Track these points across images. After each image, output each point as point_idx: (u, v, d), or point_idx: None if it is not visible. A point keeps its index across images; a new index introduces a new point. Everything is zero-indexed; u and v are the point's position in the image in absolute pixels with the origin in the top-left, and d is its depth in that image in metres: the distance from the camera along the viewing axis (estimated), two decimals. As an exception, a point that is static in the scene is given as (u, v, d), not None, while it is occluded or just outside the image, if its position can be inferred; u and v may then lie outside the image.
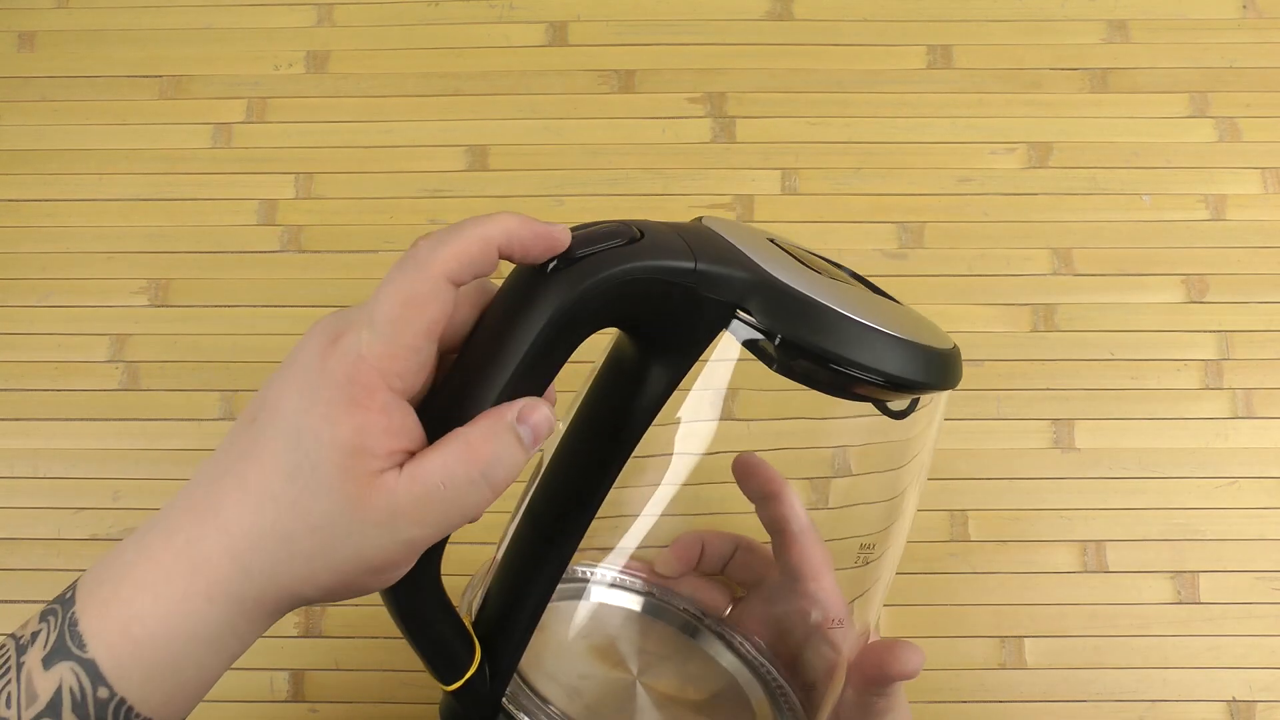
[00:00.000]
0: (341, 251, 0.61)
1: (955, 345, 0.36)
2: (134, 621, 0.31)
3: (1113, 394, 0.58)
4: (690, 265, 0.32)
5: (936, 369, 0.34)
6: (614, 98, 0.63)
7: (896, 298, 0.39)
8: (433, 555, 0.33)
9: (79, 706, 0.31)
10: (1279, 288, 0.60)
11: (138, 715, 0.31)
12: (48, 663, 0.31)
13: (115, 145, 0.63)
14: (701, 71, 0.63)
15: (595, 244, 0.31)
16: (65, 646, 0.31)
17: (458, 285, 0.30)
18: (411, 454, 0.30)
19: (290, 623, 0.55)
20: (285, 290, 0.60)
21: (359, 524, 0.30)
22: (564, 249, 0.31)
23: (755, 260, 0.33)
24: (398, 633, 0.35)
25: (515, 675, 0.38)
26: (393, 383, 0.30)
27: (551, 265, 0.31)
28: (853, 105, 0.63)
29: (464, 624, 0.36)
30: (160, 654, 0.31)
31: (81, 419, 0.58)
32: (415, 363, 0.30)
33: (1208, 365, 0.58)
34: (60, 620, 0.32)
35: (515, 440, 0.31)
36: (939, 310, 0.59)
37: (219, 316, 0.60)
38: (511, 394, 0.31)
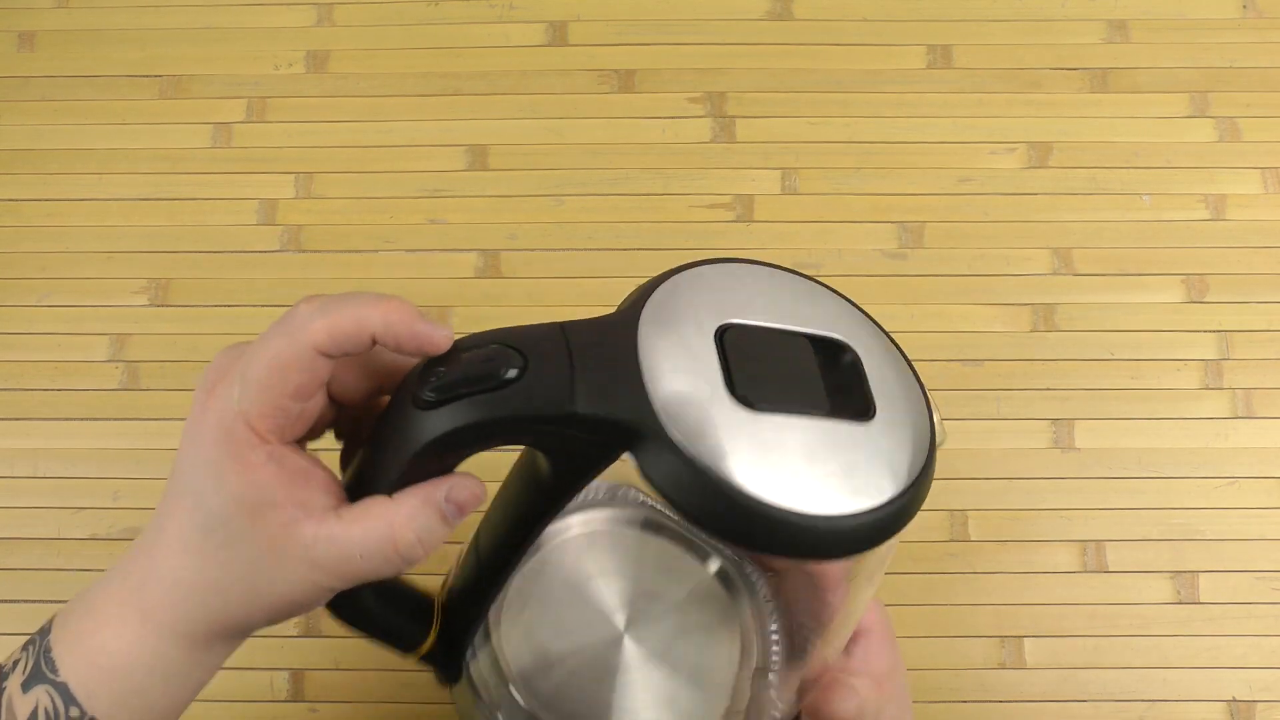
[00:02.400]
0: (341, 251, 0.61)
1: (926, 466, 0.29)
2: (99, 653, 0.33)
3: (1113, 394, 0.58)
4: (567, 412, 0.28)
5: (867, 535, 0.28)
6: (614, 98, 0.63)
7: (906, 355, 0.33)
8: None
9: None
10: (1279, 288, 0.60)
11: None
12: (26, 687, 0.33)
13: (115, 145, 0.63)
14: (701, 71, 0.63)
15: (464, 388, 0.29)
16: (41, 671, 0.33)
17: (329, 357, 0.30)
18: (320, 493, 0.31)
19: (291, 623, 0.55)
20: (285, 290, 0.60)
21: (280, 571, 0.31)
22: (439, 352, 0.30)
23: (657, 393, 0.28)
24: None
25: (498, 658, 0.38)
26: (268, 437, 0.30)
27: (425, 396, 0.29)
28: (853, 105, 0.63)
29: (418, 598, 0.37)
30: (125, 682, 0.33)
31: (81, 419, 0.58)
32: (289, 418, 0.31)
33: (1208, 365, 0.58)
34: (37, 649, 0.34)
35: (440, 520, 0.31)
36: (939, 310, 0.59)
37: (219, 316, 0.60)
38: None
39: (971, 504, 0.56)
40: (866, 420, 0.30)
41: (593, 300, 0.59)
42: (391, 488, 0.31)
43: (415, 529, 0.31)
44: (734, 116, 0.63)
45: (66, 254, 0.61)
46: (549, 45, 0.64)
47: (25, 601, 0.56)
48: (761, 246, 0.60)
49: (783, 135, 0.62)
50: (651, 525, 0.43)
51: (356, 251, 0.61)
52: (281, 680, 0.54)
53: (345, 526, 0.31)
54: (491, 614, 0.38)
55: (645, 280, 0.32)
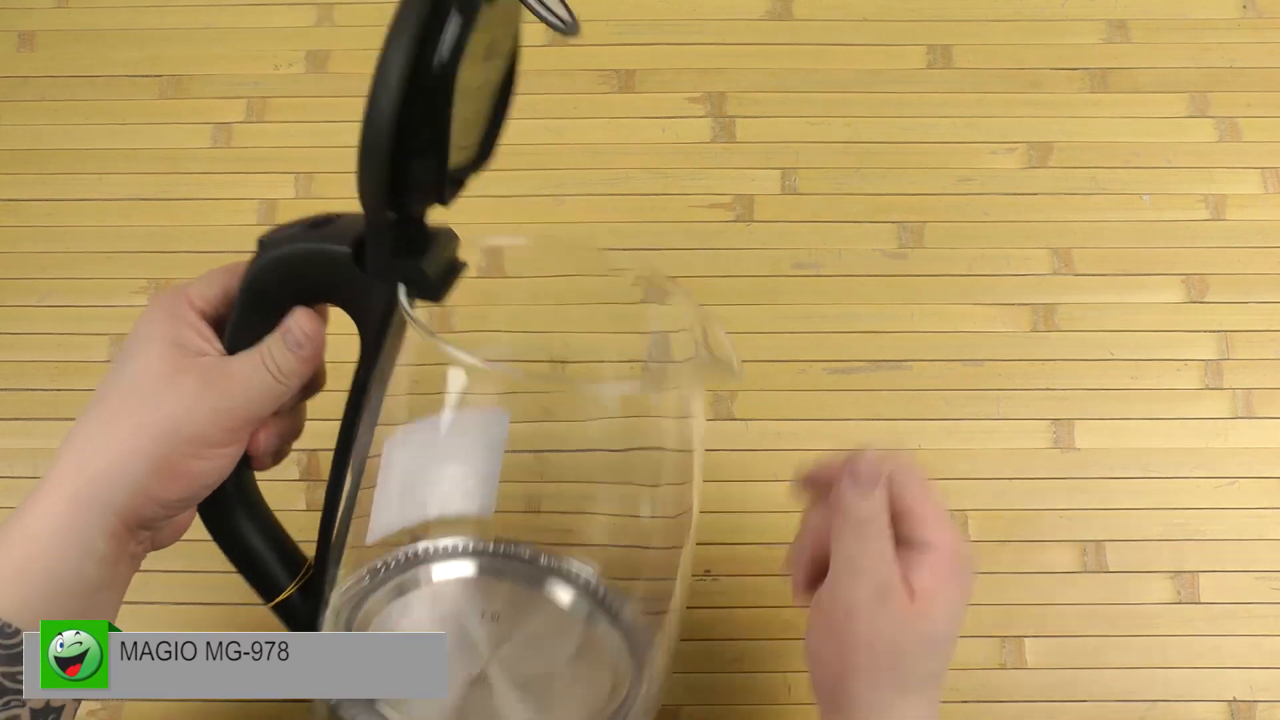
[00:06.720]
0: (341, 251, 0.61)
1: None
2: (32, 540, 0.36)
3: (1113, 394, 0.58)
4: (346, 249, 0.36)
5: None
6: (614, 98, 0.63)
7: None
8: (244, 477, 0.40)
9: None
10: (1279, 288, 0.60)
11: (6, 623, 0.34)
12: None
13: (115, 145, 0.63)
14: (701, 71, 0.63)
15: (282, 230, 0.37)
16: None
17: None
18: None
19: (290, 623, 0.54)
20: (285, 290, 0.60)
21: (170, 389, 0.36)
22: None
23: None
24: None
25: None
26: (201, 308, 0.38)
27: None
28: (853, 105, 0.63)
29: (294, 550, 0.41)
30: (17, 551, 0.35)
31: (81, 419, 0.58)
32: (221, 308, 0.39)
33: (1208, 365, 0.58)
34: None
35: (285, 348, 0.38)
36: (939, 310, 0.59)
37: (219, 316, 0.60)
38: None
39: (971, 504, 0.56)
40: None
41: (593, 300, 0.59)
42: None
43: (274, 355, 0.38)
44: (734, 116, 0.63)
45: (66, 254, 0.61)
46: (549, 45, 0.64)
47: (25, 601, 0.56)
48: (761, 246, 0.60)
49: (783, 135, 0.62)
50: (491, 568, 0.45)
51: (356, 251, 0.60)
52: (281, 680, 0.54)
53: (231, 360, 0.38)
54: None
55: None
